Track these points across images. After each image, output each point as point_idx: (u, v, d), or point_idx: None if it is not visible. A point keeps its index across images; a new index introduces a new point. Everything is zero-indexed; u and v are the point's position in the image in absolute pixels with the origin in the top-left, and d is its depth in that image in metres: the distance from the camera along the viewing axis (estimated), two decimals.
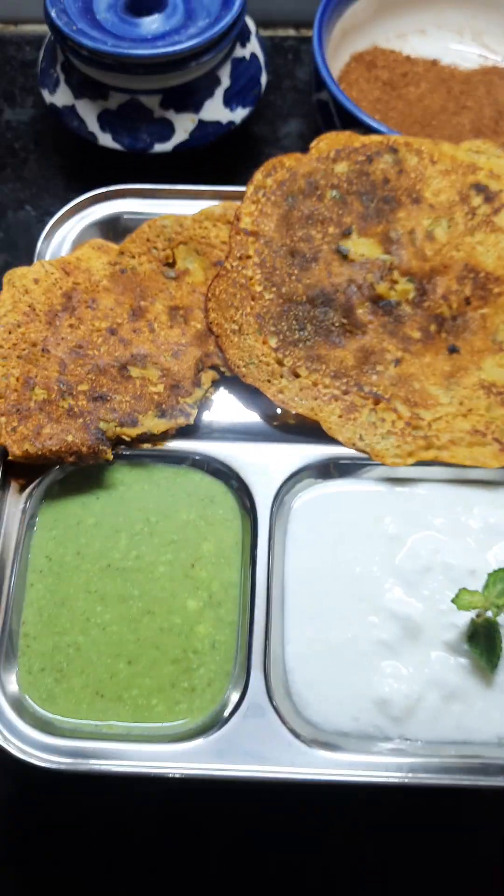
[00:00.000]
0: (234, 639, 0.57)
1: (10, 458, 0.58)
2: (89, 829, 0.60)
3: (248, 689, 0.54)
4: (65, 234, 0.70)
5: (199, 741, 0.52)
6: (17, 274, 0.65)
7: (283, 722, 0.53)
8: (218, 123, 0.81)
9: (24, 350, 0.62)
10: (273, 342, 0.65)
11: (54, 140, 0.91)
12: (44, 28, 0.98)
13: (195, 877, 0.58)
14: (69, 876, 0.59)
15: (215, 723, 0.53)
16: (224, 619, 0.57)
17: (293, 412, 0.64)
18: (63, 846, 0.60)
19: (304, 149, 0.71)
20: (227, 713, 0.54)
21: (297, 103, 0.95)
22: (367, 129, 0.75)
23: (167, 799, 0.58)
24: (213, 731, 0.53)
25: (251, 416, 0.65)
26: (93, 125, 0.80)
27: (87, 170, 0.88)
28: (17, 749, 0.51)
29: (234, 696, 0.54)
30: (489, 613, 0.54)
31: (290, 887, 0.58)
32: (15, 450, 0.58)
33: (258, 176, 0.69)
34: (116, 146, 0.80)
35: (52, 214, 0.84)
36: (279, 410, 0.65)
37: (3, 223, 0.86)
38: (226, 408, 0.66)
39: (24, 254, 0.84)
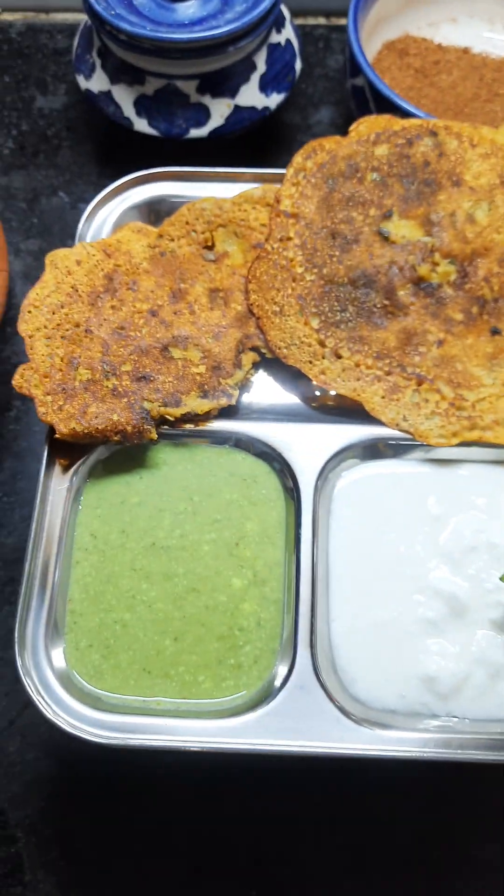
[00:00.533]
0: (280, 617, 0.57)
1: (56, 436, 0.59)
2: (137, 803, 0.60)
3: (294, 666, 0.54)
4: (105, 217, 0.70)
5: (247, 717, 0.52)
6: (60, 255, 0.65)
7: (330, 699, 0.53)
8: (253, 109, 0.81)
9: (67, 330, 0.62)
10: (315, 323, 0.65)
11: (87, 127, 0.91)
12: (75, 16, 0.98)
13: (239, 851, 0.58)
14: (114, 850, 0.59)
15: (262, 699, 0.53)
16: (269, 598, 0.57)
17: (335, 393, 0.64)
18: (110, 821, 0.60)
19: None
20: (274, 689, 0.54)
21: (328, 91, 0.95)
22: (405, 114, 0.75)
23: (216, 775, 0.58)
24: (261, 707, 0.53)
25: (292, 398, 0.65)
26: (129, 110, 0.80)
27: (119, 157, 0.88)
28: (66, 723, 0.52)
29: (281, 673, 0.54)
30: None
31: (332, 863, 0.58)
32: (62, 428, 0.58)
33: (298, 158, 0.69)
34: (152, 131, 0.80)
35: (85, 200, 0.85)
36: (318, 392, 0.65)
37: (36, 209, 0.86)
38: (267, 389, 0.66)
39: (58, 239, 0.84)
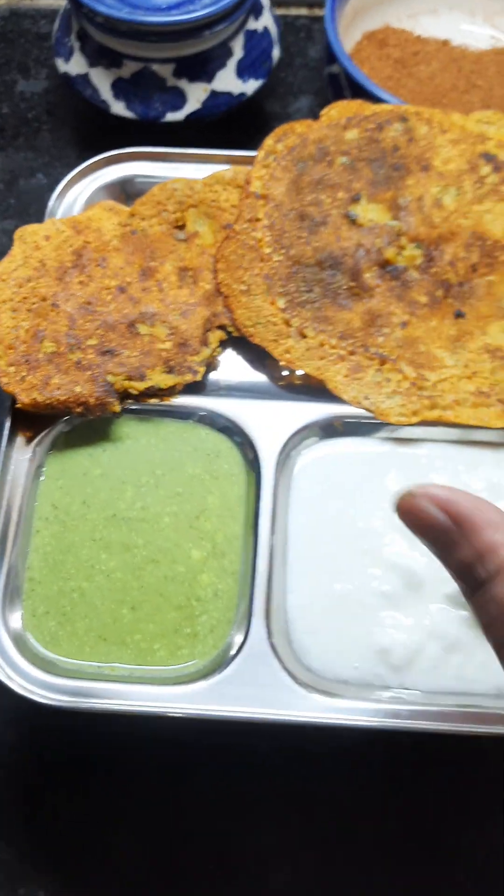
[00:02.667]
0: (237, 588, 0.57)
1: (18, 405, 0.59)
2: (92, 769, 0.61)
3: (249, 636, 0.55)
4: (76, 195, 0.71)
5: (200, 683, 0.53)
6: (28, 231, 0.66)
7: (284, 667, 0.54)
8: (230, 94, 0.82)
9: (33, 304, 0.63)
10: (281, 303, 0.66)
11: (67, 111, 0.92)
12: (58, 1, 0.99)
13: (190, 815, 0.59)
14: (71, 812, 0.60)
15: (217, 667, 0.54)
16: (227, 569, 0.58)
17: (299, 372, 0.65)
18: (65, 786, 0.60)
19: None
20: (228, 658, 0.54)
21: (308, 80, 0.96)
22: (378, 101, 0.76)
23: (169, 741, 0.59)
24: (214, 675, 0.53)
25: (258, 376, 0.66)
26: (106, 93, 0.81)
27: (98, 139, 0.88)
28: (19, 686, 0.52)
29: (236, 643, 0.55)
30: None
31: (285, 829, 0.59)
32: (23, 398, 0.59)
33: (269, 141, 0.70)
34: (129, 114, 0.81)
35: (60, 182, 0.85)
36: (284, 371, 0.66)
37: (15, 190, 0.87)
38: (233, 367, 0.66)
39: (35, 219, 0.84)
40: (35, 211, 0.85)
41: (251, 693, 0.53)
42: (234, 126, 0.88)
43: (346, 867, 0.57)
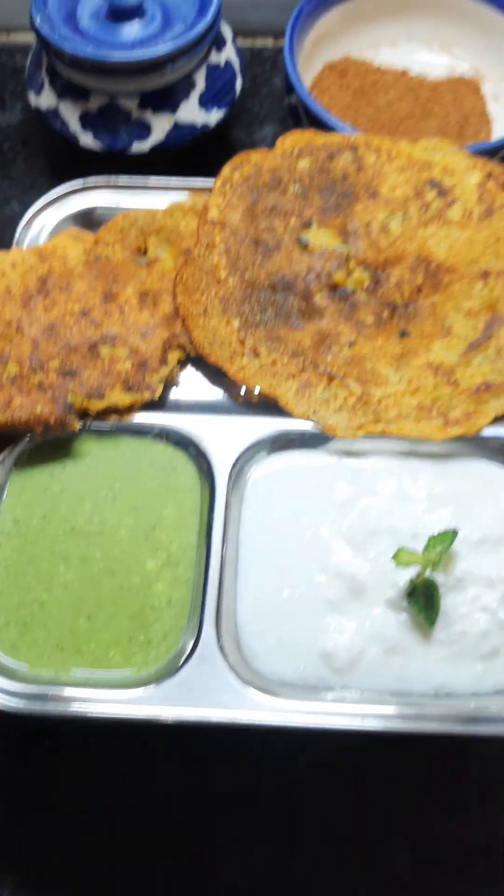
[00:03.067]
0: (190, 596, 0.60)
1: None
2: (50, 770, 0.63)
3: (199, 641, 0.57)
4: (43, 224, 0.74)
5: (151, 687, 0.56)
6: None
7: (232, 670, 0.56)
8: (193, 125, 0.86)
9: None
10: (236, 324, 0.69)
11: (41, 142, 0.96)
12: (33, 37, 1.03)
13: (146, 812, 0.62)
14: (33, 812, 0.62)
15: (168, 671, 0.57)
16: (181, 578, 0.61)
17: (253, 389, 0.68)
18: (26, 786, 0.63)
19: None
20: (179, 663, 0.57)
21: (273, 109, 1.00)
22: (334, 130, 0.80)
23: (125, 741, 0.62)
24: (166, 679, 0.56)
25: (215, 393, 0.69)
26: (74, 126, 0.85)
27: (70, 169, 0.92)
28: None
29: (188, 648, 0.58)
30: (429, 573, 0.58)
31: (237, 823, 0.61)
32: None
33: (226, 170, 0.74)
34: (97, 145, 0.84)
35: None
36: (243, 388, 0.69)
37: None
38: (191, 385, 0.70)
39: (8, 247, 0.88)
40: (9, 238, 0.88)
41: (201, 696, 0.56)
42: (201, 154, 0.92)
43: (294, 860, 0.60)
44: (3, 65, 1.02)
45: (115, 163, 0.86)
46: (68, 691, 0.56)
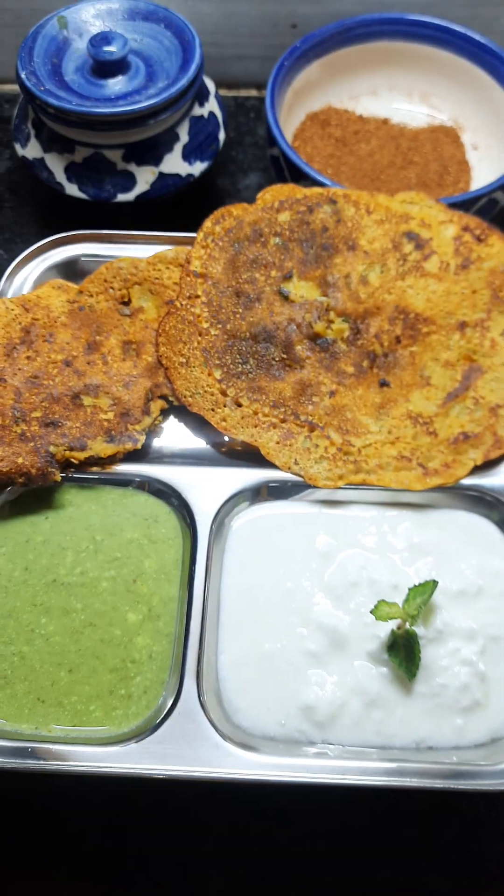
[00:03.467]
0: (171, 649, 0.60)
1: None
2: (30, 827, 0.62)
3: (180, 696, 0.57)
4: (27, 275, 0.75)
5: (132, 744, 0.56)
6: None
7: (213, 726, 0.56)
8: (177, 176, 0.87)
9: None
10: (218, 374, 0.70)
11: (28, 190, 0.97)
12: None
13: (127, 868, 0.61)
14: (11, 870, 0.62)
15: (149, 727, 0.57)
16: (162, 631, 0.61)
17: (235, 439, 0.69)
18: (6, 844, 0.62)
19: None
20: (160, 719, 0.57)
21: (256, 158, 1.02)
22: (314, 182, 0.81)
23: (106, 798, 0.61)
24: (146, 736, 0.56)
25: (198, 443, 0.70)
26: (60, 176, 0.86)
27: (56, 217, 0.94)
28: None
29: (168, 703, 0.58)
30: (409, 625, 0.58)
31: (218, 879, 0.61)
32: None
33: (208, 223, 0.75)
34: (82, 195, 0.86)
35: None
36: (222, 438, 0.70)
37: None
38: (174, 435, 0.70)
39: None
40: None
41: (181, 752, 0.55)
42: (185, 203, 0.93)
43: None
44: None
45: (102, 211, 0.88)
46: (48, 747, 0.56)
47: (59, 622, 0.61)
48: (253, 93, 1.08)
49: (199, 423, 0.70)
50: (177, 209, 0.92)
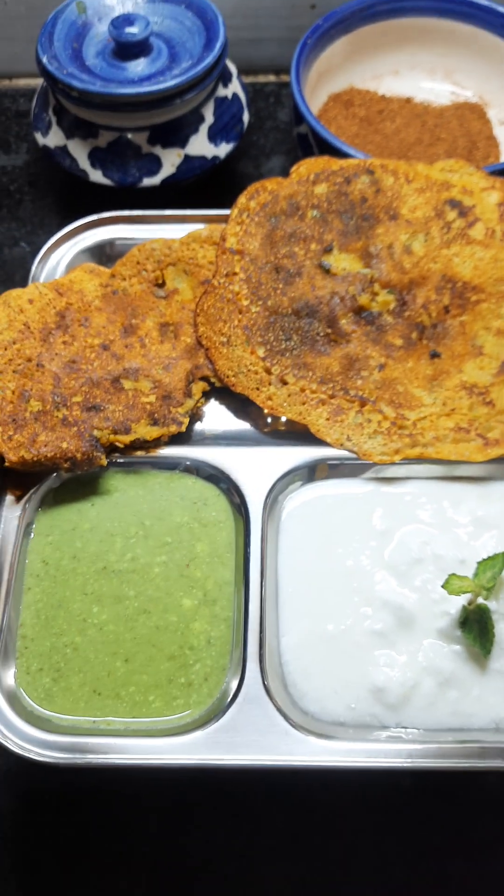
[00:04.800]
0: (230, 634, 0.57)
1: (6, 464, 0.60)
2: (96, 831, 0.60)
3: (243, 682, 0.54)
4: (59, 259, 0.73)
5: (197, 734, 0.53)
6: (13, 295, 0.67)
7: (280, 712, 0.53)
8: (203, 158, 0.85)
9: (19, 365, 0.64)
10: (261, 352, 0.67)
11: (47, 181, 0.95)
12: (36, 81, 1.03)
13: (190, 867, 0.58)
14: (73, 879, 0.59)
15: (213, 716, 0.54)
16: (219, 616, 0.58)
17: (282, 418, 0.66)
18: (69, 850, 0.60)
19: None
20: (223, 706, 0.54)
21: (278, 142, 1.00)
22: (345, 157, 0.79)
23: (168, 793, 0.58)
24: (211, 724, 0.53)
25: (242, 424, 0.67)
26: (84, 163, 0.84)
27: (78, 207, 0.91)
28: (14, 745, 0.52)
29: (231, 689, 0.55)
30: (480, 600, 0.55)
31: (286, 875, 0.58)
32: (11, 456, 0.60)
33: (242, 199, 0.73)
34: (107, 181, 0.84)
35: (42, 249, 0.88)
36: (267, 418, 0.67)
37: None
38: (217, 416, 0.68)
39: (20, 286, 0.87)
40: (20, 278, 0.88)
41: (248, 740, 0.52)
42: (209, 187, 0.91)
43: None
44: (7, 109, 1.02)
45: (124, 198, 0.86)
46: (107, 741, 0.53)
47: (111, 610, 0.58)
48: (271, 78, 1.06)
49: (242, 403, 0.68)
50: (200, 194, 0.90)
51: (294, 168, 0.75)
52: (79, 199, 0.92)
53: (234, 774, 0.53)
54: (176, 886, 0.58)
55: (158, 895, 0.58)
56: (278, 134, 1.01)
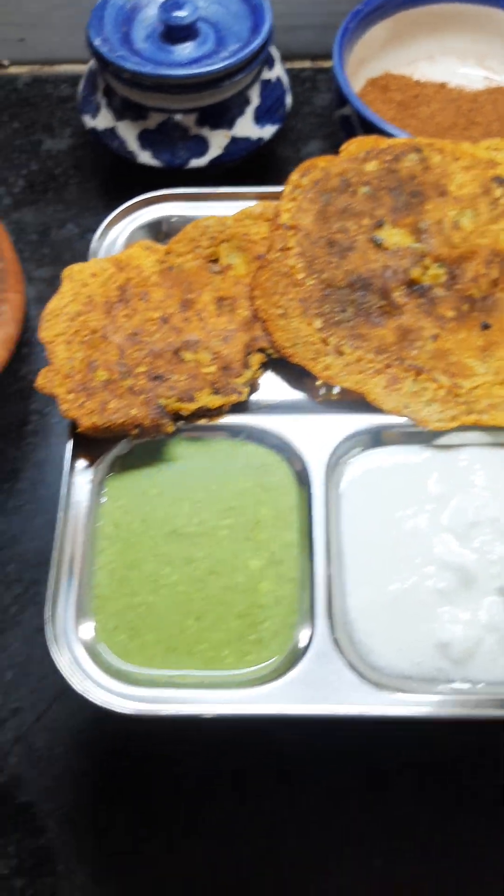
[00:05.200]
0: (297, 594, 0.59)
1: (79, 430, 0.62)
2: (169, 790, 0.62)
3: (313, 637, 0.56)
4: (115, 236, 0.75)
5: (272, 685, 0.55)
6: (76, 269, 0.69)
7: (350, 667, 0.55)
8: (248, 139, 0.87)
9: (85, 336, 0.66)
10: (317, 324, 0.69)
11: (92, 165, 0.97)
12: (77, 68, 1.05)
13: (274, 826, 0.60)
14: (148, 837, 0.61)
15: (285, 670, 0.56)
16: (285, 576, 0.60)
17: (335, 389, 0.68)
18: (143, 809, 0.62)
19: None
20: (294, 660, 0.56)
21: (316, 126, 1.02)
22: (389, 137, 0.81)
23: (240, 745, 0.60)
24: (284, 677, 0.55)
25: (298, 394, 0.69)
26: (133, 144, 0.86)
27: (123, 190, 0.93)
28: (97, 698, 0.54)
29: (301, 645, 0.57)
30: None
31: (358, 828, 0.60)
32: (84, 422, 0.61)
33: (294, 176, 0.75)
34: (155, 162, 0.86)
35: (93, 230, 0.89)
36: (323, 389, 0.69)
37: (47, 240, 0.91)
38: (276, 387, 0.69)
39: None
40: (68, 258, 0.90)
41: (320, 693, 0.54)
42: (251, 170, 0.93)
43: (418, 860, 0.58)
44: (49, 94, 1.04)
45: (168, 180, 0.87)
46: (185, 692, 0.55)
47: (181, 571, 0.60)
48: (307, 64, 1.08)
49: (297, 374, 0.70)
50: (242, 177, 0.92)
51: (344, 146, 0.77)
52: (123, 182, 0.94)
53: (308, 726, 0.55)
54: (256, 845, 0.60)
55: (233, 851, 0.60)
56: (315, 119, 1.03)
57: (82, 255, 0.85)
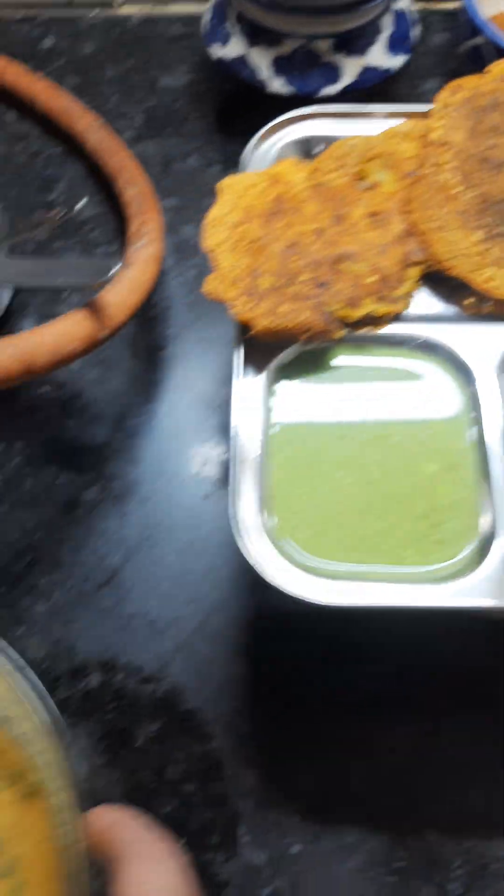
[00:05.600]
0: (476, 497, 0.58)
1: (251, 334, 0.61)
2: (332, 694, 0.61)
3: (494, 537, 0.55)
4: (264, 153, 0.74)
5: (458, 581, 0.54)
6: (234, 180, 0.69)
7: None
8: (378, 69, 0.86)
9: (246, 245, 0.66)
10: (479, 235, 0.68)
11: (210, 100, 0.96)
12: (188, 7, 1.05)
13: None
14: (312, 742, 0.60)
15: (471, 568, 0.55)
16: (463, 480, 0.59)
17: (488, 301, 0.67)
18: (304, 716, 0.61)
19: None
20: (480, 559, 0.55)
21: (431, 65, 1.01)
22: None
23: (414, 649, 0.60)
24: (471, 574, 0.54)
25: (453, 307, 0.68)
26: (264, 72, 0.85)
27: (243, 121, 0.93)
28: (291, 588, 0.53)
29: (486, 546, 0.56)
30: None
31: None
32: (257, 324, 0.61)
33: (444, 94, 0.74)
34: (287, 90, 0.85)
35: (214, 162, 0.89)
36: (484, 299, 0.68)
37: (171, 172, 0.91)
38: (434, 299, 0.69)
39: (195, 196, 0.89)
40: (193, 190, 0.89)
41: None
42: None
43: None
44: (160, 34, 1.03)
45: (292, 109, 0.87)
46: (373, 585, 0.54)
47: (357, 475, 0.59)
48: (420, 5, 1.07)
49: (452, 288, 0.69)
50: None
51: (489, 67, 0.75)
52: (243, 116, 0.93)
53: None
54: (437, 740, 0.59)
55: (413, 757, 0.59)
56: (430, 58, 1.01)
57: (205, 186, 0.85)
